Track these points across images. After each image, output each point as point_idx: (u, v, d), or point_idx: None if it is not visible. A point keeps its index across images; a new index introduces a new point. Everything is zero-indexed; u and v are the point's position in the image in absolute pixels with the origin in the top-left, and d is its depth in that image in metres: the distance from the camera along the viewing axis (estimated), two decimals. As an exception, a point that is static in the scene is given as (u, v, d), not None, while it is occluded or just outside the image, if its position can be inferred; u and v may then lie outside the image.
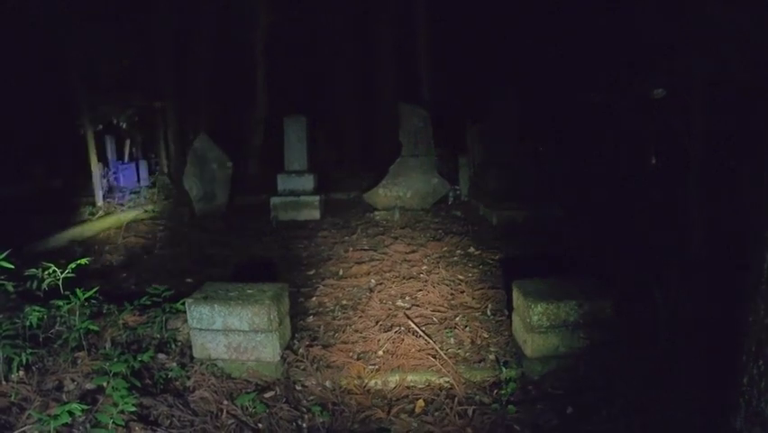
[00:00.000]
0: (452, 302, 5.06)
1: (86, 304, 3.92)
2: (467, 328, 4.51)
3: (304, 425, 3.40)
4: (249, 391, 3.61)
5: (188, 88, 14.31)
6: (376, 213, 8.84)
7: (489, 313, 4.80)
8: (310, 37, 17.29)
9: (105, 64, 10.99)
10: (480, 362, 4.03)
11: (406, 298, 5.16)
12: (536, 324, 3.78)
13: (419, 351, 4.13)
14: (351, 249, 6.85)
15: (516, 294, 4.12)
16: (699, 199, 5.87)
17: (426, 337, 4.28)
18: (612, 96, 4.32)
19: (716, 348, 3.61)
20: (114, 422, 2.88)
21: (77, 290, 3.78)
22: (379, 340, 4.30)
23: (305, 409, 3.52)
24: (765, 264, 2.53)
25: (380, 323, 4.61)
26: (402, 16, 15.03)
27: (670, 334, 3.81)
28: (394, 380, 3.84)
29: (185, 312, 3.91)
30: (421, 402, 3.61)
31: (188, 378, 3.67)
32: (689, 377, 3.43)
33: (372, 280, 5.63)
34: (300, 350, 4.13)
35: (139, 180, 12.99)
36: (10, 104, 10.87)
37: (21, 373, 3.42)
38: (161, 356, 3.85)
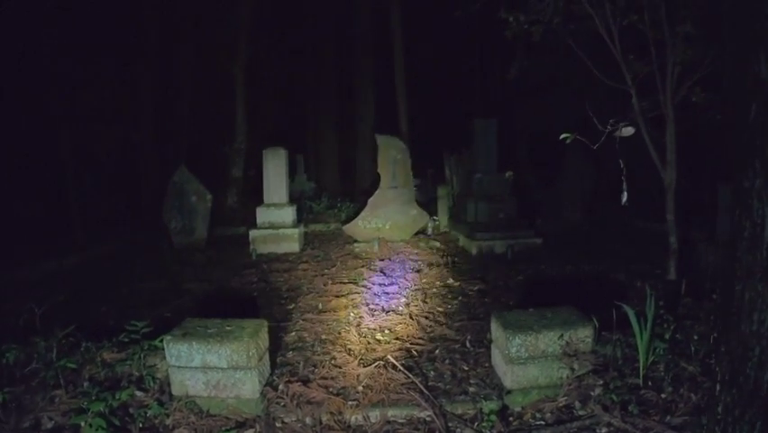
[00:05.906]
0: (432, 335, 5.08)
1: (64, 341, 3.88)
2: (447, 361, 4.52)
3: (284, 462, 3.38)
4: (229, 428, 3.58)
5: (168, 120, 14.34)
6: (356, 245, 8.87)
7: (468, 345, 4.82)
8: (290, 68, 17.51)
9: (86, 96, 11.02)
10: (460, 394, 4.03)
11: (386, 331, 5.17)
12: (515, 355, 3.81)
13: (400, 385, 4.12)
14: (330, 282, 6.86)
15: (494, 325, 4.16)
16: (675, 226, 5.99)
17: (406, 371, 4.28)
18: (586, 134, 4.46)
19: (698, 374, 3.69)
20: (91, 463, 2.85)
21: (55, 330, 3.75)
22: (358, 375, 4.30)
23: (285, 446, 3.50)
24: (734, 300, 2.60)
25: (360, 357, 4.61)
26: (381, 47, 15.27)
27: (652, 361, 3.86)
28: (374, 415, 3.82)
29: (164, 349, 3.89)
30: (402, 437, 3.61)
31: (168, 416, 3.63)
32: (671, 405, 3.48)
33: (352, 314, 5.64)
34: (280, 386, 4.11)
35: (119, 212, 12.91)
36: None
37: (-4, 412, 3.37)
38: (140, 394, 3.81)
